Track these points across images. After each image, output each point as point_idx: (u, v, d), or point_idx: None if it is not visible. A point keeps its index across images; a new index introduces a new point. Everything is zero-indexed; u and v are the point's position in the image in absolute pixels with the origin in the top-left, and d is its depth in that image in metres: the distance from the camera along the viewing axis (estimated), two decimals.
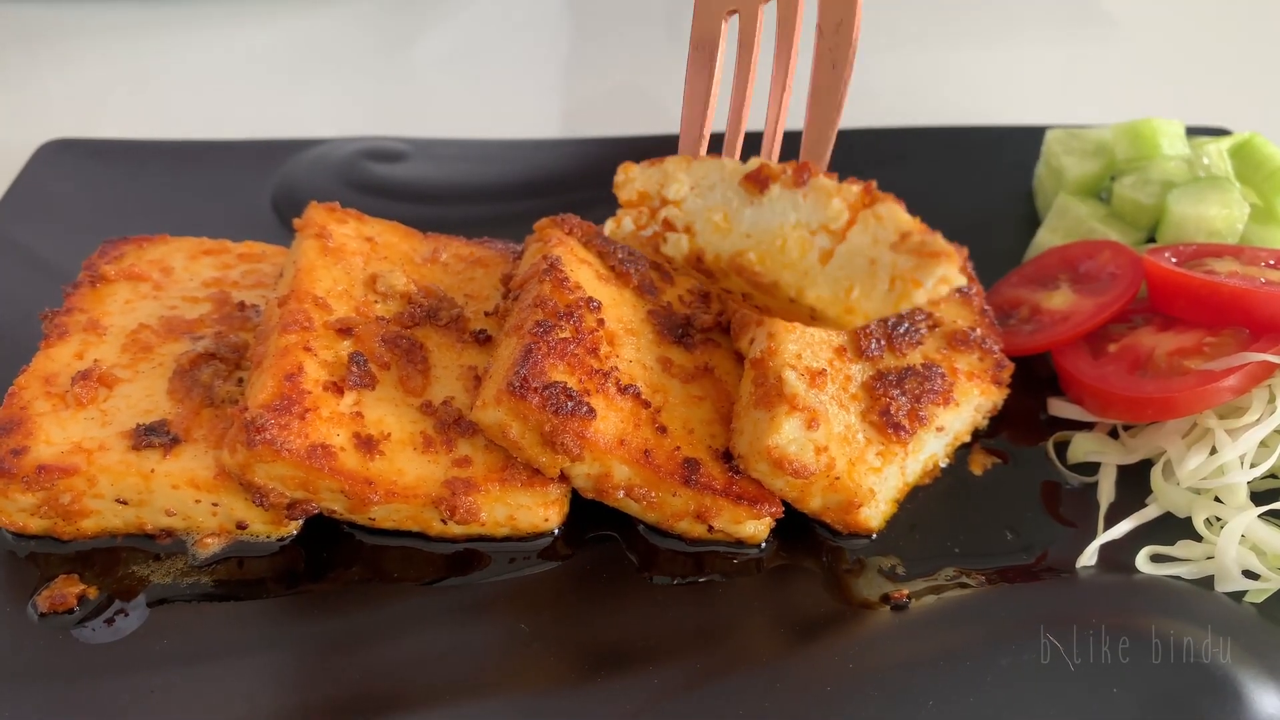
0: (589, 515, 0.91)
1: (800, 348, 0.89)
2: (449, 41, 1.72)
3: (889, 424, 0.89)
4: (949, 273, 0.68)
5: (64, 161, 1.28)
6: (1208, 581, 0.88)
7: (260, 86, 1.56)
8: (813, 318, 0.76)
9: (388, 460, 0.84)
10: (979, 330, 1.00)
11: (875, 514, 0.90)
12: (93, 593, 0.84)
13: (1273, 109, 1.53)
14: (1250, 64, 1.69)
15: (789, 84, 0.91)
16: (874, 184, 0.76)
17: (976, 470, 0.98)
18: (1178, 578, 0.88)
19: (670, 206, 0.81)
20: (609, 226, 0.83)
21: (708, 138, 0.92)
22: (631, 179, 0.83)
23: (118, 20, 1.64)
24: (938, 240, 0.69)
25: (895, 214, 0.72)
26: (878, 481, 0.89)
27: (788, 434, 0.84)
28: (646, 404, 0.87)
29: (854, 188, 0.74)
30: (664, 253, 0.81)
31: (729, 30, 0.92)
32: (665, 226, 0.81)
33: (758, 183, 0.77)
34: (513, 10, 1.80)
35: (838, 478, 0.86)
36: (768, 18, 0.93)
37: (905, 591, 0.87)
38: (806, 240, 0.74)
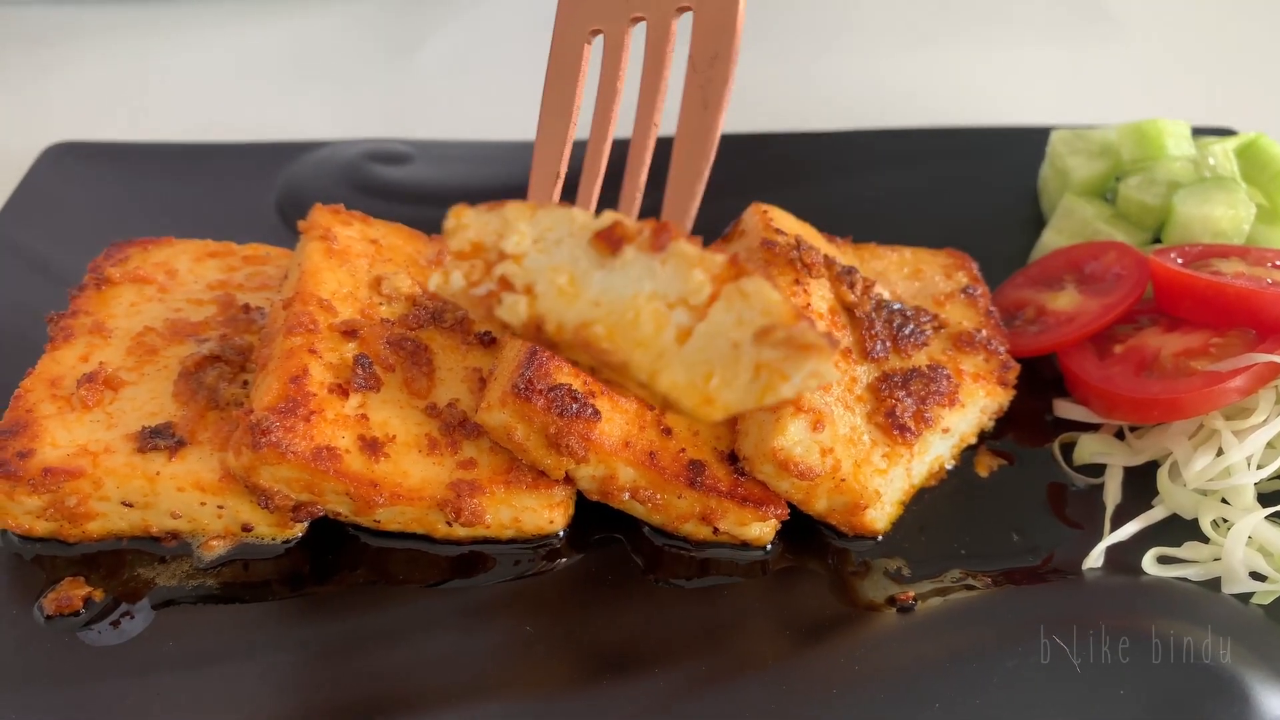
0: (594, 517, 0.91)
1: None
2: (453, 42, 1.72)
3: (894, 425, 0.89)
4: (821, 368, 0.59)
5: (69, 164, 1.28)
6: (1214, 583, 0.87)
7: (265, 88, 1.56)
8: (666, 405, 0.64)
9: (392, 463, 0.84)
10: (984, 331, 0.99)
11: (881, 516, 0.90)
12: (99, 595, 0.84)
13: (1278, 109, 1.53)
14: (1255, 64, 1.69)
15: (656, 120, 0.81)
16: (739, 255, 0.68)
17: (982, 472, 0.98)
18: (1184, 579, 0.88)
19: (508, 262, 0.67)
20: (434, 281, 0.68)
21: (562, 180, 0.83)
22: (465, 225, 0.68)
23: (119, 21, 1.64)
24: (808, 332, 0.59)
25: (763, 292, 0.61)
26: (883, 483, 0.88)
27: (793, 435, 0.84)
28: (651, 406, 0.87)
29: (718, 258, 0.63)
30: (498, 316, 0.67)
31: (591, 53, 0.82)
32: (502, 285, 0.67)
33: (610, 243, 0.65)
34: (517, 11, 1.80)
35: (843, 479, 0.86)
36: (637, 41, 0.82)
37: (911, 594, 0.87)
38: (663, 315, 0.63)
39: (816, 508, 0.89)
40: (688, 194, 0.79)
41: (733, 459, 0.87)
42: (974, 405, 0.96)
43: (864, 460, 0.87)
